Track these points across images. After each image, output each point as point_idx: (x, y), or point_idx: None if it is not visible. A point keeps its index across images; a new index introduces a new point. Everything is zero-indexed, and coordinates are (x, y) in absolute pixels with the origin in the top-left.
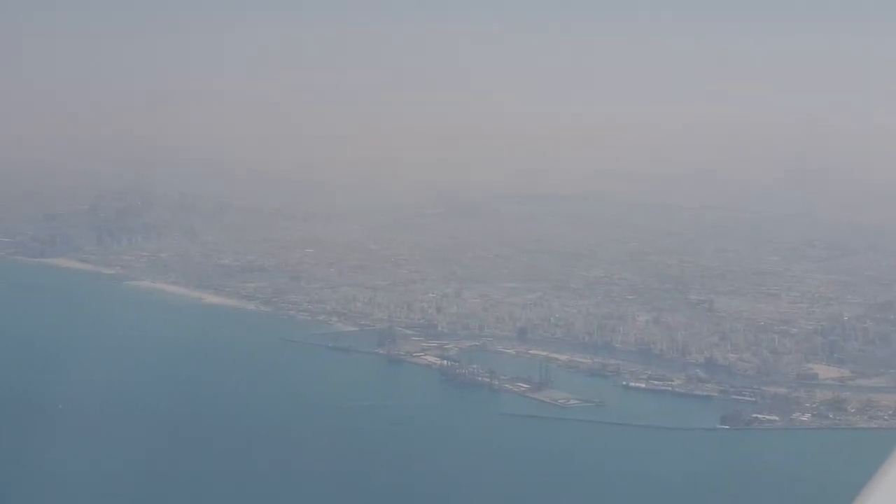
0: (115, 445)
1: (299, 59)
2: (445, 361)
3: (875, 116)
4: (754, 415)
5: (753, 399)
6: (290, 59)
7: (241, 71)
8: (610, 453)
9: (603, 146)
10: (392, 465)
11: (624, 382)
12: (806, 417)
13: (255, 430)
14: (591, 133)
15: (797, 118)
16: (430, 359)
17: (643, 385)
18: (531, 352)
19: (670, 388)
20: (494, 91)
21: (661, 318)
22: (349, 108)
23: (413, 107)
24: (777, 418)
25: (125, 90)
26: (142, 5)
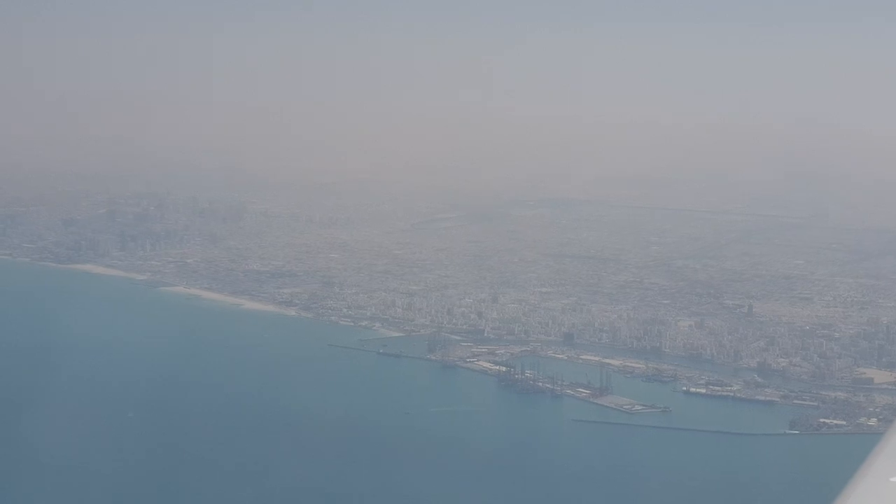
0: (221, 455)
1: (306, 61)
2: (500, 367)
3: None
4: (821, 419)
5: (815, 404)
6: (296, 62)
7: (244, 74)
8: (694, 460)
9: (609, 149)
10: (486, 475)
11: (684, 388)
12: (873, 422)
13: (349, 440)
14: (596, 136)
15: (802, 120)
16: (484, 364)
17: (704, 391)
18: (582, 357)
19: (731, 394)
20: (500, 94)
21: (704, 323)
22: (354, 111)
23: (420, 111)
24: (844, 423)
25: (124, 92)
26: (144, 7)
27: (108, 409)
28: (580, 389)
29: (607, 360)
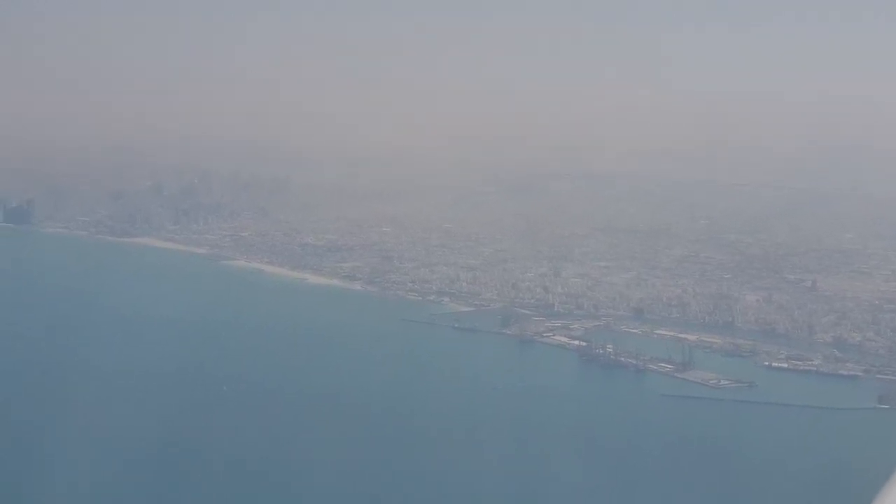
0: (324, 434)
1: (344, 38)
2: (578, 342)
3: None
4: None
5: None
6: (330, 35)
7: (276, 47)
8: (791, 435)
9: (641, 124)
10: (590, 452)
11: (765, 363)
12: None
13: (446, 419)
14: (629, 110)
15: (830, 95)
16: (560, 339)
17: (785, 365)
18: (656, 332)
19: (813, 368)
20: (536, 68)
21: (772, 298)
22: (387, 89)
23: (452, 87)
24: None
25: (152, 69)
26: None
27: (203, 383)
28: (662, 364)
29: (682, 335)
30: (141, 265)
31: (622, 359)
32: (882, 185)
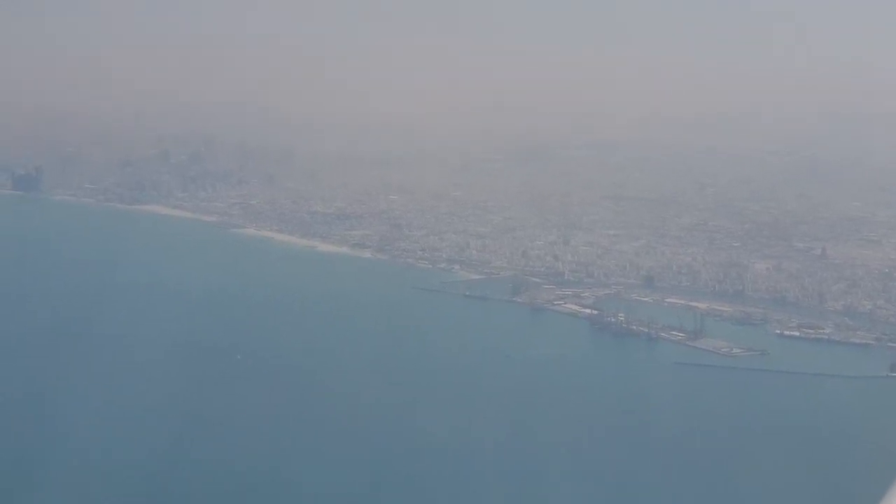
0: (331, 401)
1: (348, 5)
2: (589, 310)
3: None
4: None
5: None
6: (338, 5)
7: (279, 13)
8: (806, 403)
9: (646, 92)
10: (606, 420)
11: (777, 331)
12: None
13: (469, 387)
14: (633, 78)
15: (836, 61)
16: (572, 307)
17: (797, 333)
18: (667, 300)
19: (825, 336)
20: (540, 36)
21: (782, 266)
22: (391, 57)
23: (461, 54)
24: None
25: (157, 35)
26: None
27: (217, 352)
28: (674, 332)
29: (693, 303)
30: (151, 233)
31: (634, 327)
32: (889, 152)
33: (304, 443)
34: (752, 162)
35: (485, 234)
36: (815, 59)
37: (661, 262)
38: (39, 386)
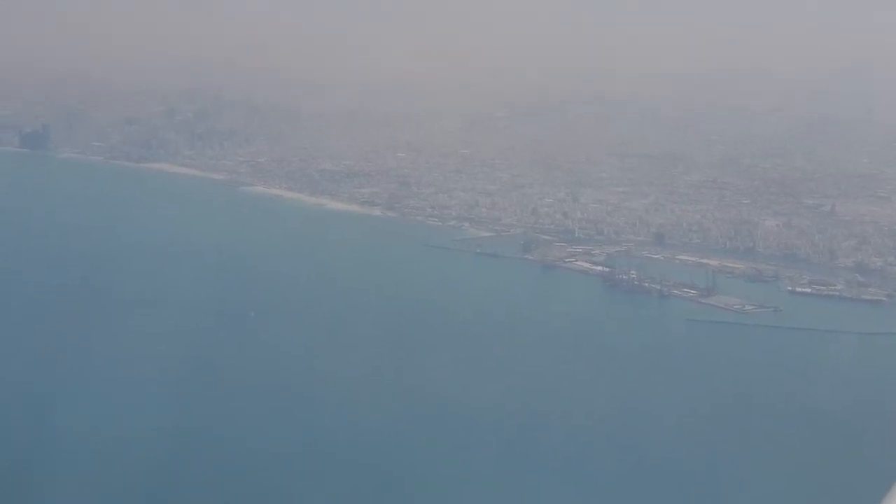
0: (347, 357)
1: None
2: (600, 267)
3: None
4: None
5: None
6: None
7: None
8: (822, 360)
9: (650, 47)
10: (624, 376)
11: (788, 288)
12: None
13: (483, 344)
14: (637, 34)
15: (844, 18)
16: (583, 264)
17: (808, 290)
18: (678, 257)
19: (836, 293)
20: None
21: (792, 223)
22: (396, 13)
23: (466, 11)
24: None
25: None
26: None
27: (231, 310)
28: (686, 290)
29: (704, 261)
30: (161, 192)
31: (645, 284)
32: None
33: (320, 402)
34: (759, 118)
35: (493, 192)
36: (823, 15)
37: (670, 220)
38: (56, 345)
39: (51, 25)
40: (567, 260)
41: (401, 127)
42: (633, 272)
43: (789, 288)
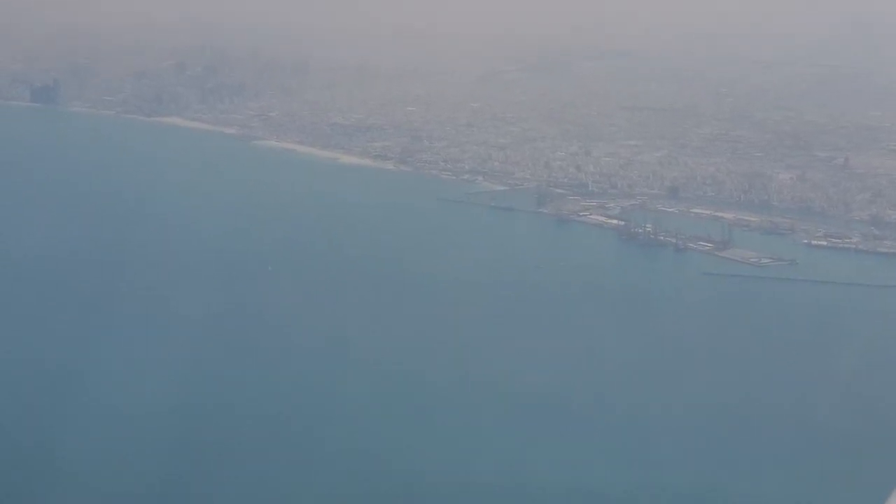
0: (365, 309)
1: None
2: (615, 221)
3: None
4: None
5: None
6: None
7: None
8: (842, 312)
9: (654, 1)
10: (643, 330)
11: (805, 241)
12: None
13: (504, 298)
14: None
15: None
16: (598, 218)
17: (824, 243)
18: (693, 210)
19: (852, 246)
20: None
21: (805, 176)
22: None
23: None
24: None
25: None
26: None
27: (250, 262)
28: (702, 243)
29: (719, 214)
30: (175, 145)
31: (661, 238)
32: None
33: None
34: (769, 71)
35: (505, 146)
36: None
37: (684, 173)
38: (86, 295)
39: None
40: (581, 214)
41: (410, 81)
42: (648, 226)
43: (805, 241)
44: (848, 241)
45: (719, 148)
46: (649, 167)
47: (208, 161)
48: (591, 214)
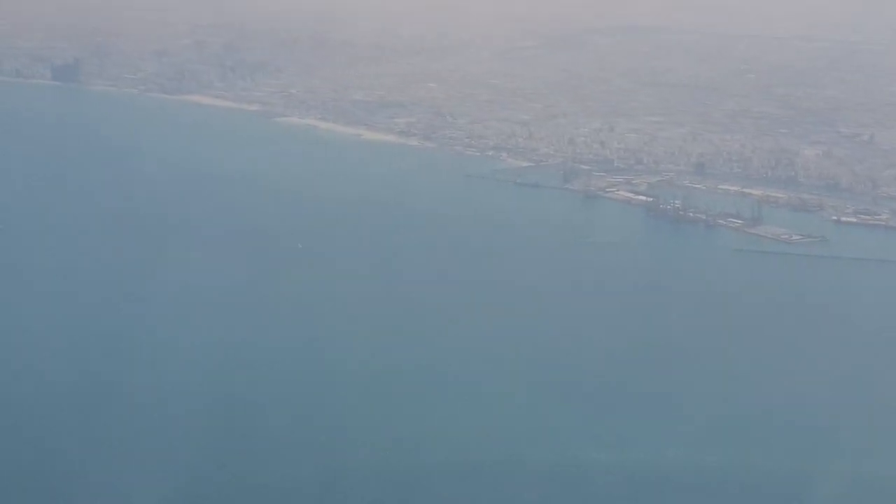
0: (398, 285)
1: None
2: (643, 197)
3: None
4: None
5: None
6: None
7: None
8: (876, 290)
9: None
10: (682, 306)
11: (834, 217)
12: None
13: (538, 275)
14: None
15: None
16: (625, 194)
17: (854, 220)
18: (720, 187)
19: (882, 223)
20: None
21: (831, 152)
22: None
23: None
24: None
25: None
26: None
27: (281, 240)
28: (731, 219)
29: (746, 190)
30: (200, 123)
31: (690, 214)
32: None
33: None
34: (789, 47)
35: (528, 122)
36: None
37: (709, 149)
38: (120, 268)
39: None
40: (608, 190)
41: (429, 57)
42: (676, 202)
43: (834, 217)
44: (877, 217)
45: (742, 124)
46: (674, 143)
47: (235, 138)
48: (617, 190)
